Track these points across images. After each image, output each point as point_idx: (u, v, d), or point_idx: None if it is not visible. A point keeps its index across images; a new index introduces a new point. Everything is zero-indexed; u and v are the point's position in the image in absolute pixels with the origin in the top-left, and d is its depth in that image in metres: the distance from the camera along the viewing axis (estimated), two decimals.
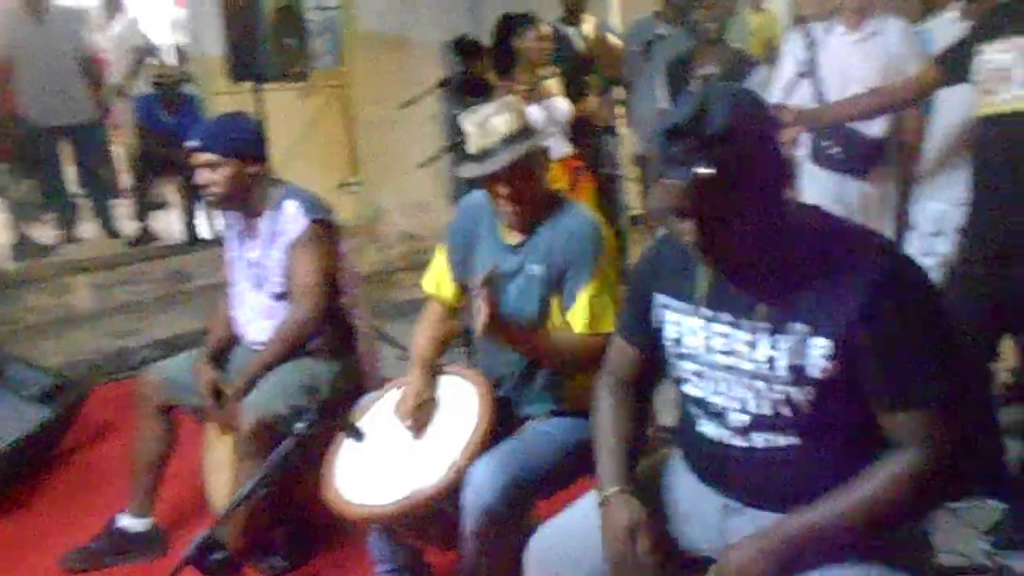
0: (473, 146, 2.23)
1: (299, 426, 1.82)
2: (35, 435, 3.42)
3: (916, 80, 2.92)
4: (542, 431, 2.25)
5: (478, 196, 2.44)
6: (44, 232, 6.83)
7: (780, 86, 3.46)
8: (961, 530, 2.65)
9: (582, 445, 2.16)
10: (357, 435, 1.96)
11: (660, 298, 1.71)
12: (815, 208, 1.61)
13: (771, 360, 1.52)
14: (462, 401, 2.22)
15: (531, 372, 2.30)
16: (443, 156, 4.64)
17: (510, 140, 2.19)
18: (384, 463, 2.17)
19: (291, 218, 2.72)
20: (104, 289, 5.96)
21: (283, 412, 2.53)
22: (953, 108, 3.10)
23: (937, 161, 3.31)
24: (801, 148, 3.39)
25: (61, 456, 3.75)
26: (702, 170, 1.38)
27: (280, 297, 2.78)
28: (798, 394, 1.51)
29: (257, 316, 2.82)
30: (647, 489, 1.75)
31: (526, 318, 2.26)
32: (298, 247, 2.71)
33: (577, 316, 2.22)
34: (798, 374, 1.50)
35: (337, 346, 2.83)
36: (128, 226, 6.98)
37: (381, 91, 6.50)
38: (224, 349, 2.95)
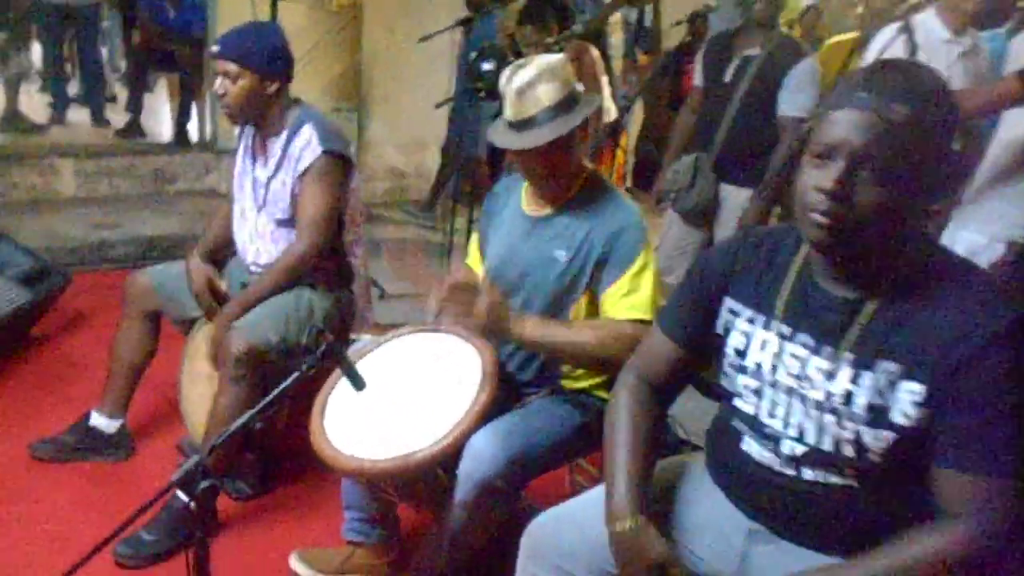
0: (511, 111, 2.10)
1: (305, 363, 1.83)
2: (9, 318, 3.41)
3: (997, 89, 2.72)
4: (545, 408, 2.20)
5: (504, 184, 2.42)
6: (35, 110, 6.74)
7: None
8: None
9: (582, 428, 2.20)
10: (357, 382, 1.93)
11: (730, 302, 1.57)
12: (936, 243, 1.47)
13: (848, 395, 1.39)
14: (466, 364, 2.12)
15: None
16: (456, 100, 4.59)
17: (554, 112, 2.05)
18: (378, 414, 2.08)
19: (305, 145, 2.68)
20: (89, 177, 5.92)
21: (274, 341, 2.55)
22: (1018, 125, 2.84)
23: (989, 184, 2.97)
24: None
25: (34, 343, 3.76)
26: (902, 108, 1.25)
27: (283, 224, 2.76)
28: (871, 436, 1.38)
29: (257, 238, 2.81)
30: (661, 497, 1.66)
31: (537, 303, 2.21)
32: (309, 177, 2.67)
33: (613, 299, 2.11)
34: (878, 415, 1.37)
35: (333, 281, 2.84)
36: (118, 117, 6.90)
37: (394, 22, 6.47)
38: (218, 252, 2.93)
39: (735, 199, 3.71)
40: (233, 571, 2.43)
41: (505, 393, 2.14)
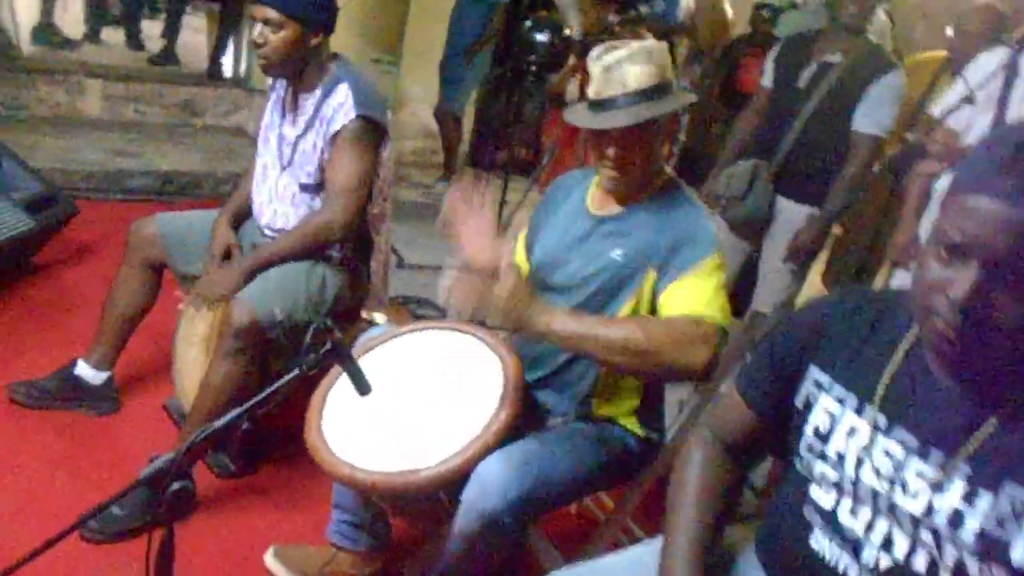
0: (594, 89, 1.90)
1: (306, 361, 1.63)
2: (8, 244, 3.20)
3: None
4: (568, 437, 1.95)
5: (571, 176, 2.19)
6: (70, 24, 6.53)
7: (947, 103, 2.90)
8: None
9: (606, 465, 1.98)
10: (362, 386, 1.72)
11: (816, 372, 1.31)
12: None
13: (957, 515, 1.12)
14: (487, 373, 1.90)
15: (569, 363, 2.00)
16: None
17: (638, 97, 1.85)
18: (383, 418, 1.88)
19: (339, 106, 2.45)
20: (115, 100, 5.72)
21: (279, 317, 2.33)
22: None
23: None
24: (942, 181, 2.87)
25: (33, 273, 3.56)
26: None
27: (307, 188, 2.55)
28: (977, 570, 1.12)
29: (277, 199, 2.59)
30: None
31: (581, 304, 1.95)
32: (340, 142, 2.45)
33: (668, 299, 1.86)
34: (991, 548, 1.10)
35: (350, 257, 2.61)
36: (153, 43, 6.69)
37: None
38: (243, 215, 2.72)
39: (791, 215, 3.45)
40: (202, 559, 2.23)
41: (525, 414, 1.89)
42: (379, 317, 2.98)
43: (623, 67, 1.86)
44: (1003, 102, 2.69)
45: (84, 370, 2.69)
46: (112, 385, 2.75)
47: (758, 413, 1.42)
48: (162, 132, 5.71)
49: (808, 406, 1.31)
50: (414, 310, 4.16)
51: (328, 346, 1.63)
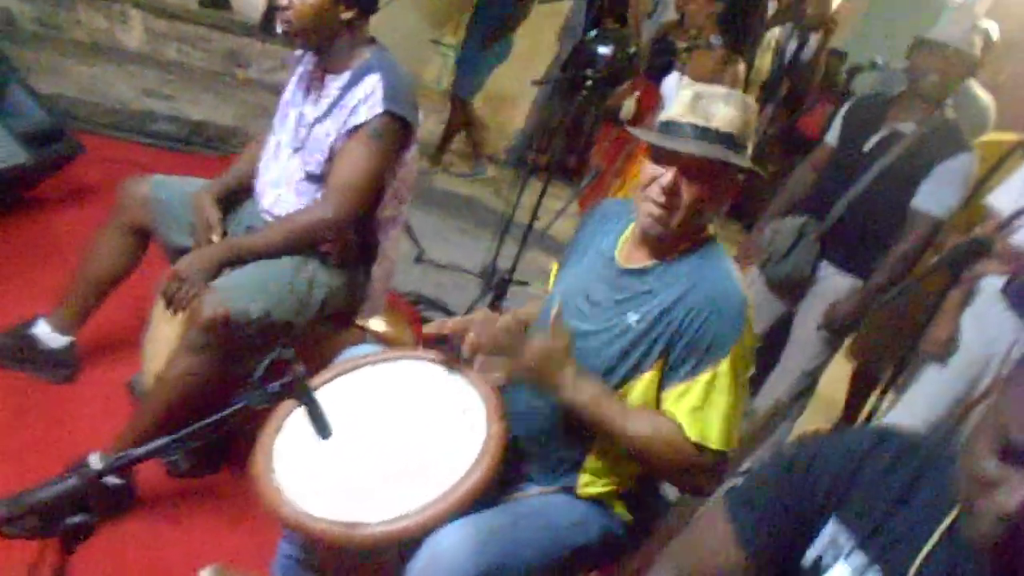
0: (672, 112, 1.72)
1: (256, 395, 1.39)
2: None
3: None
4: (544, 512, 1.74)
5: (610, 206, 1.97)
6: None
7: (1011, 199, 2.77)
8: None
9: (581, 551, 1.74)
10: (323, 429, 1.47)
11: (838, 530, 1.10)
12: None
13: None
14: (468, 428, 1.68)
15: (564, 424, 1.76)
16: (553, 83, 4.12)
17: (717, 137, 1.66)
18: (342, 457, 1.65)
19: (366, 97, 2.22)
20: (158, 37, 5.52)
21: (254, 314, 2.11)
22: None
23: None
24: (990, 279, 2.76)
25: (24, 209, 3.33)
26: None
27: (312, 178, 2.32)
28: None
29: (282, 182, 2.37)
30: None
31: (589, 368, 1.73)
32: (360, 135, 2.22)
33: (682, 404, 1.65)
34: None
35: (349, 257, 2.38)
36: None
37: None
38: (237, 192, 2.49)
39: (833, 284, 3.19)
40: (123, 571, 2.00)
41: (501, 472, 1.66)
42: (376, 324, 2.73)
43: (715, 102, 1.68)
44: None
45: (43, 330, 2.47)
46: (73, 351, 2.53)
47: (749, 555, 1.16)
48: (201, 79, 5.51)
49: (818, 569, 1.09)
50: (421, 312, 3.91)
51: (287, 380, 1.39)
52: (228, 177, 2.49)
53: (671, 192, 1.67)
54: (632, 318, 1.71)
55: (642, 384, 1.71)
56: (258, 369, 1.45)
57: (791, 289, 3.28)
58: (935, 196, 2.98)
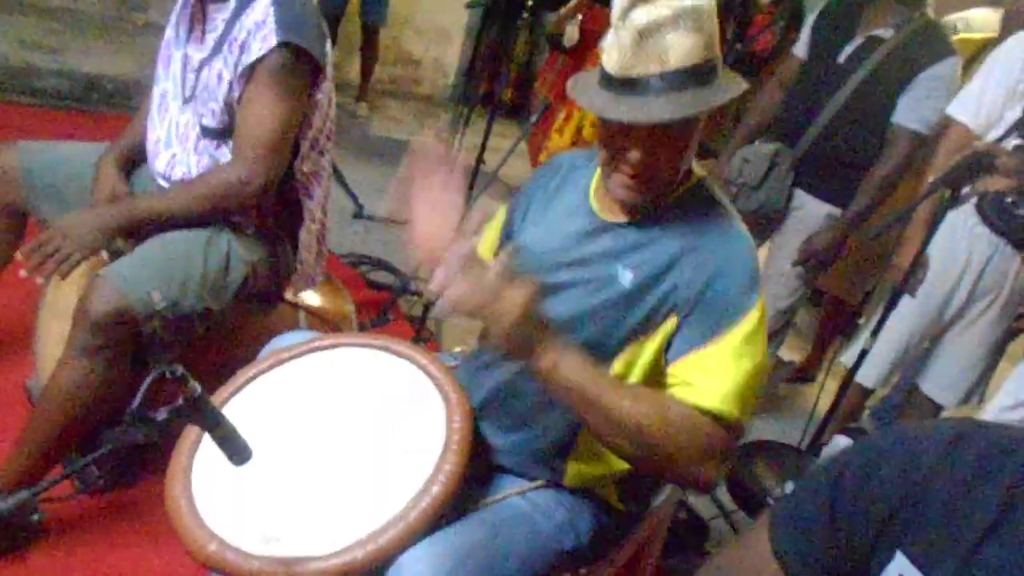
0: (616, 61, 1.31)
1: (142, 429, 1.05)
2: None
3: None
4: (524, 520, 1.47)
5: (570, 158, 1.64)
6: None
7: (985, 100, 2.56)
8: None
9: (571, 554, 1.50)
10: (238, 454, 1.15)
11: (904, 565, 0.86)
12: None
13: None
14: (423, 426, 1.42)
15: (542, 409, 1.48)
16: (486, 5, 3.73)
17: (682, 78, 1.29)
18: (274, 478, 1.36)
19: (257, 26, 1.82)
20: None
21: (158, 305, 1.74)
22: None
23: None
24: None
25: None
26: None
27: (209, 133, 1.93)
28: None
29: (176, 141, 1.97)
30: None
31: (574, 333, 1.41)
32: (258, 77, 1.83)
33: (683, 373, 1.36)
34: None
35: (270, 225, 2.03)
36: None
37: None
38: (137, 156, 2.10)
39: (810, 213, 2.94)
40: None
41: (471, 474, 1.39)
42: (310, 298, 2.39)
43: (664, 35, 1.28)
44: None
45: None
46: None
47: None
48: (93, 27, 4.99)
49: None
50: (366, 273, 3.57)
51: (178, 405, 1.07)
52: (126, 139, 2.10)
53: (642, 164, 1.36)
54: (624, 274, 1.42)
55: (638, 356, 1.42)
56: (136, 396, 1.08)
57: (763, 223, 3.02)
58: (917, 109, 2.73)
